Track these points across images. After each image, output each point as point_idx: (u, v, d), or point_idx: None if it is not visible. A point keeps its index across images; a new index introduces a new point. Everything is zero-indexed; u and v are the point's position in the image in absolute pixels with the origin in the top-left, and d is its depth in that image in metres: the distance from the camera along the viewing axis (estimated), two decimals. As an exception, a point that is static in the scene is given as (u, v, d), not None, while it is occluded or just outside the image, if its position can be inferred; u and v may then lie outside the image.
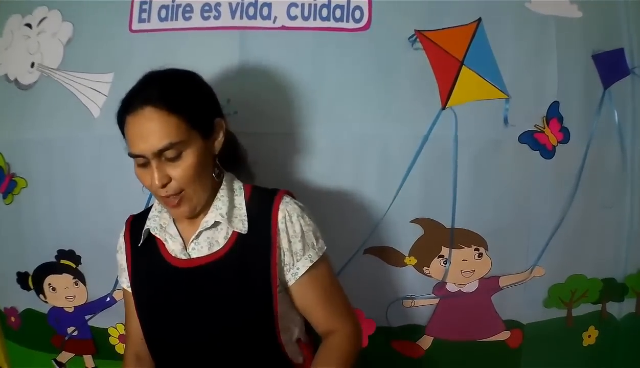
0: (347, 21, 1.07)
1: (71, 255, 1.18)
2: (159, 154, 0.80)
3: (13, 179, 1.18)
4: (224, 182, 0.89)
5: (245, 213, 0.87)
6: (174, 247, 0.88)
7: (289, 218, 0.86)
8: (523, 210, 1.13)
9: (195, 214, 0.87)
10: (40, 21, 1.15)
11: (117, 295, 1.18)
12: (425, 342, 1.19)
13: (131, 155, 0.82)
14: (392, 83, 1.07)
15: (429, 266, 1.15)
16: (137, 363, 0.94)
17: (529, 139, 1.10)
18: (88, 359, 1.27)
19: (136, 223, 0.93)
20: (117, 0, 1.11)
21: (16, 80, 1.16)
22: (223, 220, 0.85)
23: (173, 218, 0.90)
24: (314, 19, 1.07)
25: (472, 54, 1.07)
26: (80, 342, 1.25)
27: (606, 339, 1.25)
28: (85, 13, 1.12)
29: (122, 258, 0.94)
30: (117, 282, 1.16)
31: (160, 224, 0.90)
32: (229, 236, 0.86)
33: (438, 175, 1.09)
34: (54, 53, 1.13)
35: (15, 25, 1.17)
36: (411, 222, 1.11)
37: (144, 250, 0.90)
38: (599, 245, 1.19)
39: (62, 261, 1.19)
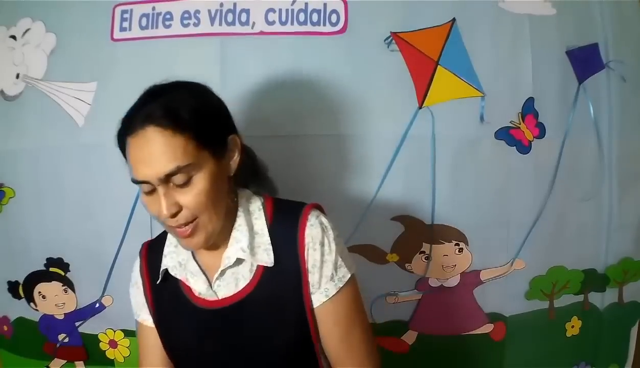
0: (324, 25, 1.09)
1: (60, 262, 1.19)
2: (166, 179, 0.70)
3: (1, 189, 1.18)
4: (239, 207, 0.80)
5: (269, 241, 0.78)
6: (197, 286, 0.80)
7: (312, 245, 0.78)
8: (502, 205, 1.15)
9: (212, 244, 0.79)
10: (25, 32, 1.15)
11: (106, 301, 1.19)
12: (410, 337, 1.21)
13: (135, 181, 0.73)
14: (369, 84, 1.09)
15: (410, 262, 1.17)
16: None
17: (505, 135, 1.12)
18: (80, 365, 1.27)
19: (152, 255, 0.85)
20: (98, 10, 1.11)
21: (2, 92, 1.17)
22: (245, 255, 0.77)
23: (193, 253, 0.82)
24: (292, 23, 1.09)
25: (447, 53, 1.10)
26: (72, 349, 1.25)
27: (590, 329, 1.27)
28: (68, 23, 1.13)
29: (138, 294, 0.86)
30: (105, 288, 1.18)
31: (179, 261, 0.82)
32: (254, 268, 0.79)
33: (417, 173, 1.11)
34: (39, 64, 1.14)
35: (0, 37, 1.17)
36: (392, 219, 1.13)
37: (165, 285, 0.83)
38: (579, 237, 1.21)
39: (52, 269, 1.19)
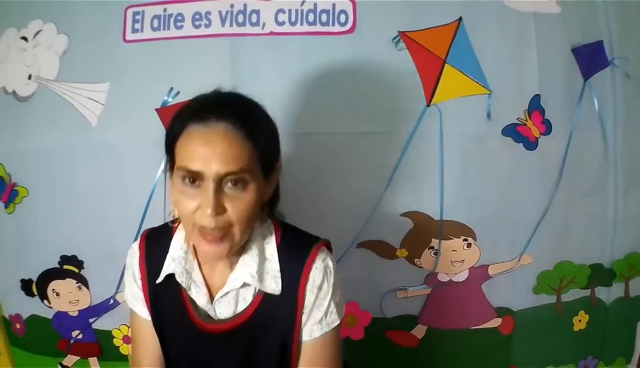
0: (333, 25, 1.11)
1: (74, 260, 1.20)
2: (222, 179, 0.69)
3: (14, 188, 1.20)
4: (253, 230, 0.79)
5: (279, 268, 0.78)
6: (198, 298, 0.80)
7: (311, 288, 0.78)
8: (509, 201, 1.16)
9: (222, 261, 0.79)
10: (36, 34, 1.16)
11: (120, 298, 1.20)
12: (419, 331, 1.23)
13: (185, 170, 0.69)
14: (378, 82, 1.10)
15: (419, 257, 1.18)
16: None
17: (512, 131, 1.13)
18: (93, 361, 1.29)
19: (151, 246, 0.84)
20: (110, 11, 1.13)
21: (14, 92, 1.18)
22: (253, 281, 0.77)
23: (198, 262, 0.80)
24: (301, 24, 1.11)
25: (454, 52, 1.11)
26: (85, 345, 1.27)
27: (597, 324, 1.28)
28: (79, 25, 1.14)
29: (135, 288, 0.85)
30: (119, 284, 1.19)
31: (186, 268, 0.80)
32: (256, 293, 0.79)
33: (425, 170, 1.12)
34: (50, 65, 1.15)
35: (12, 38, 1.19)
36: (401, 215, 1.15)
37: (163, 286, 0.81)
38: (585, 232, 1.22)
39: (65, 266, 1.21)
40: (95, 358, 1.28)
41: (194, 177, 0.70)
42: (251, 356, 0.81)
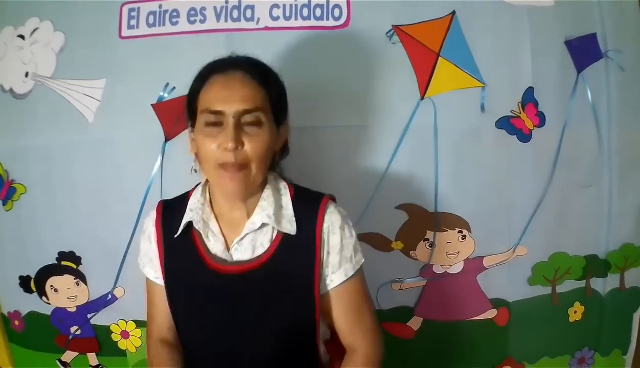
0: (327, 19, 1.11)
1: (71, 256, 1.21)
2: (240, 115, 0.78)
3: (12, 185, 1.20)
4: (268, 182, 0.87)
5: (293, 214, 0.84)
6: (215, 245, 0.85)
7: (332, 229, 0.85)
8: (503, 192, 1.17)
9: (238, 210, 0.84)
10: (33, 32, 1.17)
11: (118, 293, 1.21)
12: (415, 322, 1.23)
13: (207, 111, 0.79)
14: (372, 76, 1.11)
15: (415, 249, 1.19)
16: (163, 348, 0.92)
17: (506, 124, 1.14)
18: (92, 357, 1.29)
19: (169, 210, 0.90)
20: (106, 9, 1.13)
21: (11, 90, 1.18)
22: (270, 220, 0.83)
23: (215, 215, 0.86)
24: (295, 18, 1.11)
25: (447, 45, 1.11)
26: (84, 341, 1.28)
27: (592, 315, 1.29)
28: (76, 22, 1.15)
29: (149, 248, 0.90)
30: (117, 280, 1.20)
31: (203, 218, 0.86)
32: (273, 238, 0.84)
33: (420, 162, 1.13)
34: (47, 62, 1.16)
35: (8, 36, 1.19)
36: (396, 208, 1.15)
37: (178, 242, 0.86)
38: (580, 223, 1.23)
39: (63, 262, 1.21)
40: (93, 354, 1.29)
41: (216, 117, 0.79)
42: (270, 300, 0.83)
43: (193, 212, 0.86)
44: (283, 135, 0.89)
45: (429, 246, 1.19)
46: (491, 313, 1.24)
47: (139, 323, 1.22)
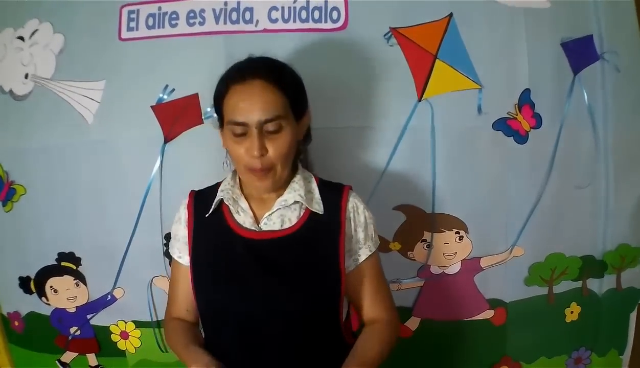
0: (326, 22, 1.12)
1: (71, 257, 1.21)
2: (262, 125, 0.83)
3: (12, 186, 1.21)
4: (298, 171, 0.95)
5: (320, 198, 0.92)
6: (245, 219, 0.91)
7: (357, 209, 0.93)
8: (500, 193, 1.18)
9: (271, 190, 0.90)
10: (32, 33, 1.18)
11: (117, 293, 1.22)
12: (413, 323, 1.24)
13: (232, 122, 0.84)
14: (370, 78, 1.12)
15: (412, 250, 1.20)
16: (180, 323, 0.96)
17: (503, 125, 1.15)
18: (91, 357, 1.30)
19: (200, 197, 0.96)
20: (105, 11, 1.14)
21: (11, 91, 1.19)
22: (302, 199, 0.90)
23: (244, 195, 0.93)
24: (294, 21, 1.12)
25: (444, 47, 1.12)
26: (83, 341, 1.28)
27: (589, 315, 1.30)
28: (75, 24, 1.15)
29: (180, 230, 0.96)
30: (116, 280, 1.21)
31: (233, 197, 0.92)
32: (301, 215, 0.90)
33: (417, 164, 1.14)
34: (47, 64, 1.16)
35: (8, 38, 1.20)
36: (394, 209, 1.16)
37: (209, 222, 0.92)
38: (576, 224, 1.24)
39: (63, 263, 1.22)
40: (93, 355, 1.30)
41: (241, 129, 0.84)
42: (297, 268, 0.88)
43: (224, 192, 0.93)
44: (305, 124, 0.94)
45: (427, 247, 1.20)
46: (488, 314, 1.25)
47: (138, 324, 1.23)
